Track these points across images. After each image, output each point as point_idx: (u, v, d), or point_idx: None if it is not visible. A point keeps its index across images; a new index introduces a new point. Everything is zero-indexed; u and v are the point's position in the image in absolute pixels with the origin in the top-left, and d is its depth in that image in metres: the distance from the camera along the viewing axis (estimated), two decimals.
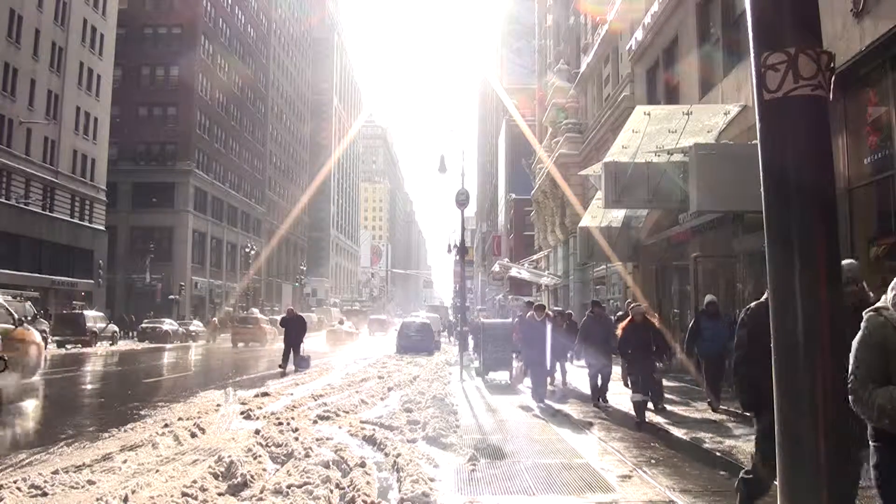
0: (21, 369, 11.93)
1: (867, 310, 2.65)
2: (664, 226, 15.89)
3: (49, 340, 24.46)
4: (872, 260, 7.85)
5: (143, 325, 34.50)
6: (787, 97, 2.18)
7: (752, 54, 2.29)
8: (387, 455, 6.44)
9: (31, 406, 10.63)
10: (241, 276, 61.30)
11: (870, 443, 2.59)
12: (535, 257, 36.49)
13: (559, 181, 25.73)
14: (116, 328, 31.88)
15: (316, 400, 10.77)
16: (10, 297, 24.20)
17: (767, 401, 2.34)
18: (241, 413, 9.16)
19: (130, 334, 35.79)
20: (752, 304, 4.13)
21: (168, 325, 34.66)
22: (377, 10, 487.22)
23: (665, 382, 11.01)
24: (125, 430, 7.59)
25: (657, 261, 17.13)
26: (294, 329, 17.61)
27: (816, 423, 2.10)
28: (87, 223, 41.84)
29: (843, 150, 8.25)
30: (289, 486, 5.08)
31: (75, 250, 40.50)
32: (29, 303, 24.95)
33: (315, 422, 8.39)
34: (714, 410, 9.55)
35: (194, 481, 5.12)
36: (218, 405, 9.86)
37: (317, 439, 7.04)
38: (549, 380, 12.08)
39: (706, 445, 7.25)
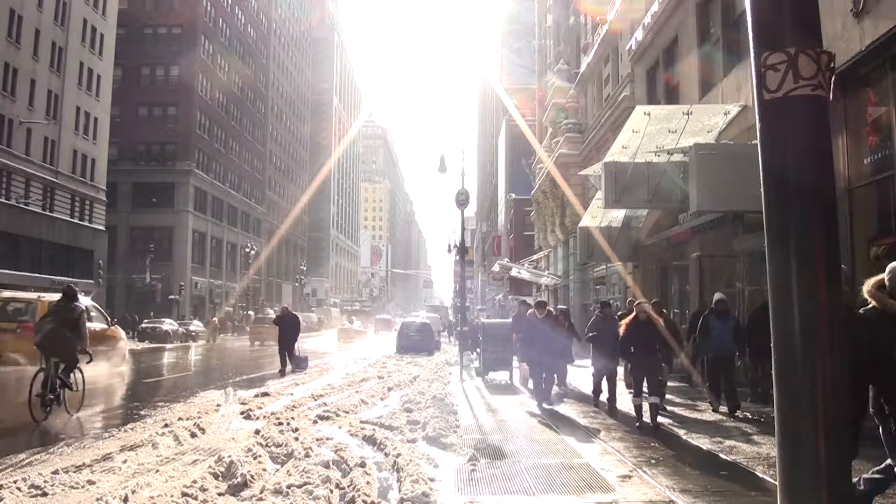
0: (113, 360, 15.03)
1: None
2: (664, 226, 15.90)
3: None
4: (872, 260, 7.84)
5: (143, 326, 34.58)
6: (787, 97, 2.18)
7: (752, 54, 2.29)
8: (387, 455, 6.43)
9: (122, 386, 13.89)
10: (241, 276, 61.31)
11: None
12: (535, 257, 36.50)
13: (559, 181, 25.73)
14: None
15: (316, 400, 10.76)
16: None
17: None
18: (241, 413, 9.15)
19: (132, 334, 35.77)
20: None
21: (168, 325, 34.76)
22: (377, 10, 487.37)
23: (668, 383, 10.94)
24: (125, 430, 7.58)
25: (657, 261, 17.14)
26: (288, 328, 17.52)
27: (816, 423, 2.10)
28: (87, 223, 41.84)
29: (843, 150, 8.25)
30: (289, 486, 5.07)
31: (75, 250, 40.50)
32: None
33: (315, 422, 8.38)
34: (714, 411, 9.53)
35: (194, 481, 5.12)
36: (218, 405, 9.85)
37: (317, 439, 7.03)
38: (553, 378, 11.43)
39: (706, 446, 7.25)
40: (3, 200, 33.65)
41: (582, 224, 18.78)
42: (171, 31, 53.07)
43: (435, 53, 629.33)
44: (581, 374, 13.25)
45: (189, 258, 51.90)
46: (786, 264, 2.19)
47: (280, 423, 7.95)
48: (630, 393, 9.08)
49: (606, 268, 21.73)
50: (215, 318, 42.18)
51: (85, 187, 41.60)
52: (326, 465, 5.77)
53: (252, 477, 5.36)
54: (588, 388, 11.60)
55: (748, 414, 9.15)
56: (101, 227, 43.39)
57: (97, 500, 4.61)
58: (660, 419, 8.51)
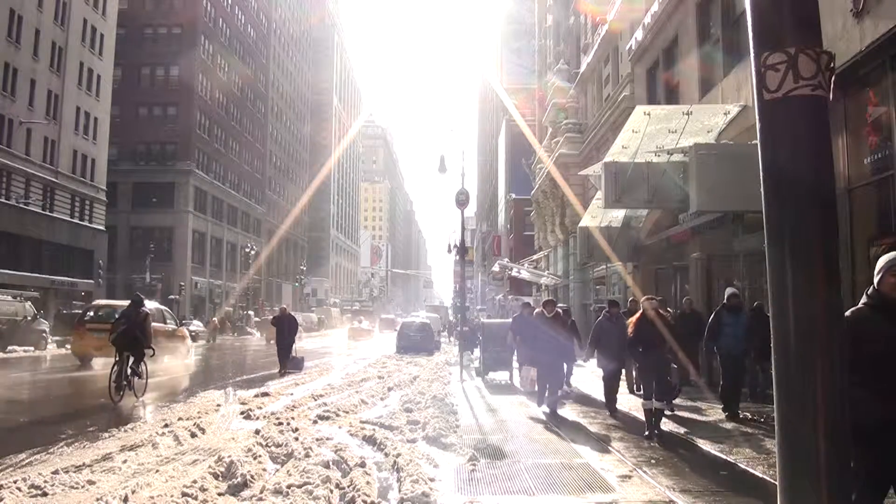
0: (181, 353, 18.08)
1: None
2: (664, 226, 15.89)
3: (49, 340, 24.48)
4: (872, 260, 7.82)
5: None
6: (787, 97, 2.18)
7: (752, 54, 2.29)
8: (387, 455, 6.43)
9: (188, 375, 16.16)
10: (241, 275, 61.29)
11: None
12: (535, 257, 36.49)
13: (559, 181, 25.72)
14: None
15: (316, 400, 10.76)
16: (9, 297, 24.29)
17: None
18: (241, 413, 9.16)
19: None
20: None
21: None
22: (377, 10, 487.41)
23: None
24: (125, 430, 7.59)
25: (657, 261, 17.13)
26: (286, 328, 17.58)
27: (816, 423, 2.10)
28: (87, 223, 41.84)
29: (843, 150, 8.24)
30: (289, 486, 5.07)
31: (75, 250, 40.51)
32: (29, 303, 24.89)
33: (315, 422, 8.38)
34: (731, 417, 8.99)
35: (194, 481, 5.12)
36: (218, 405, 9.86)
37: (317, 439, 7.03)
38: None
39: (706, 446, 7.25)
40: (3, 200, 33.66)
41: (582, 224, 18.77)
42: (171, 31, 53.08)
43: (435, 53, 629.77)
44: (581, 374, 13.23)
45: (189, 258, 51.90)
46: (785, 264, 2.19)
47: (280, 423, 7.95)
48: (639, 395, 8.83)
49: (606, 268, 21.71)
50: (215, 318, 42.14)
51: (85, 187, 41.59)
52: (326, 465, 5.77)
53: (252, 477, 5.36)
54: (588, 389, 11.61)
55: (748, 414, 9.14)
56: (101, 227, 43.39)
57: (97, 500, 4.62)
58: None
